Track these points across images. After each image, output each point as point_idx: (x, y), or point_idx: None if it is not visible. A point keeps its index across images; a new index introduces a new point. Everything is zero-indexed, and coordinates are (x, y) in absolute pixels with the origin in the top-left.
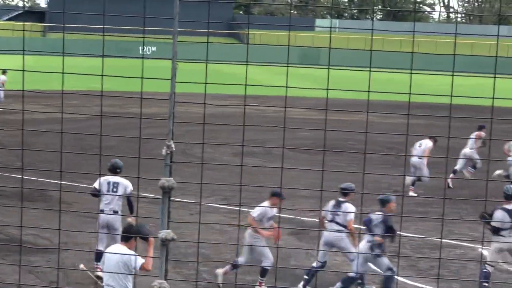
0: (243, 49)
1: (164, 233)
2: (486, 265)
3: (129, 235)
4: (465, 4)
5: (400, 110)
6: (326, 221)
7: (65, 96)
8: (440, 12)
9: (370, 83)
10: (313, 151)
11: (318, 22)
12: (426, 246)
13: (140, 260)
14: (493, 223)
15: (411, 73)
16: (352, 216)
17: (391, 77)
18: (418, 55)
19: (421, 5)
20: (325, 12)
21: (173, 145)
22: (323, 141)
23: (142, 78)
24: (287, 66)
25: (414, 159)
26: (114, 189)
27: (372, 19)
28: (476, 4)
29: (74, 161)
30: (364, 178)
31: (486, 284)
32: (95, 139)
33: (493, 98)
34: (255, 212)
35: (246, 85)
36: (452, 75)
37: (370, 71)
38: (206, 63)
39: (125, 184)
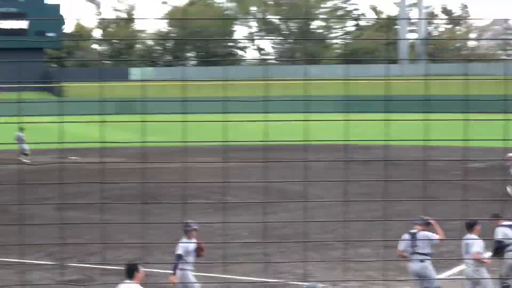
0: (61, 103)
1: None
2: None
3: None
4: (278, 46)
5: (215, 153)
6: (407, 254)
7: None
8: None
9: (188, 129)
10: (134, 201)
11: (134, 71)
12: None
13: None
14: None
15: (225, 120)
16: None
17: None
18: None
19: (233, 49)
20: (139, 61)
21: None
22: (145, 189)
23: None
24: (102, 121)
25: None
26: None
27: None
28: (288, 45)
29: None
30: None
31: None
32: None
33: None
34: (179, 249)
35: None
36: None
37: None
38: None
39: None
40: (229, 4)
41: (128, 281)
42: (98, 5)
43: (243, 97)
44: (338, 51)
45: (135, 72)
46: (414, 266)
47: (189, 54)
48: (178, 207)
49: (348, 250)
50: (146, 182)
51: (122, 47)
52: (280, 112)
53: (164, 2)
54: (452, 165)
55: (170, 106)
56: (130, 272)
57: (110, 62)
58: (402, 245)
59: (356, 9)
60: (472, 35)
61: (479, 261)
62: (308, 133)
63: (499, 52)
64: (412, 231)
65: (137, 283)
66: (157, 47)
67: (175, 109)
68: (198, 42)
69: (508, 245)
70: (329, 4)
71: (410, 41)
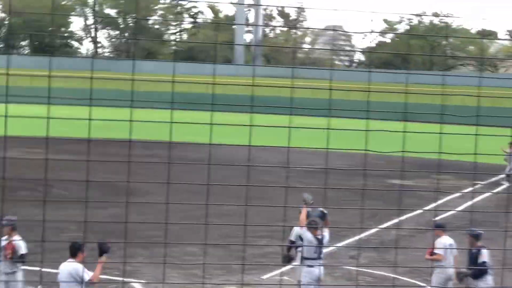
0: None
1: None
2: None
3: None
4: (113, 40)
5: (41, 144)
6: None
7: None
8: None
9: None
10: None
11: None
12: None
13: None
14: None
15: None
16: None
17: (37, 112)
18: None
19: (70, 41)
20: None
21: None
22: None
23: None
24: None
25: None
26: None
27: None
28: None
29: None
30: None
31: None
32: None
33: None
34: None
35: None
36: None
37: None
38: None
39: None
40: None
41: (71, 259)
42: None
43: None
44: (174, 48)
45: None
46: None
47: (22, 43)
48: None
49: (176, 248)
50: None
51: None
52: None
53: None
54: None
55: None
56: (74, 251)
57: None
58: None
59: (194, 7)
60: (307, 39)
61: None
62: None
63: (333, 57)
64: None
65: (78, 262)
66: None
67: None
68: (33, 30)
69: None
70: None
71: (246, 42)
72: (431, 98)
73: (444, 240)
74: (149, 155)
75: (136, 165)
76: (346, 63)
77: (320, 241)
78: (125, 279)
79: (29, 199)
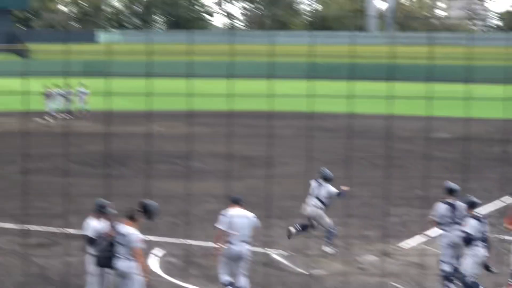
0: (26, 64)
1: None
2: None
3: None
4: (248, 13)
5: (181, 118)
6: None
7: None
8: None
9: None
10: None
11: (103, 35)
12: None
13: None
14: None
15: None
16: None
17: (176, 86)
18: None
19: (200, 13)
20: (107, 24)
21: None
22: (110, 154)
23: None
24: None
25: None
26: None
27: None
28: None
29: None
30: None
31: None
32: None
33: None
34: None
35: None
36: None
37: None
38: None
39: None
40: None
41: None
42: None
43: (209, 62)
44: (307, 18)
45: (102, 36)
46: (453, 236)
47: (156, 18)
48: (142, 171)
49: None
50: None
51: (89, 10)
52: (245, 77)
53: None
54: (416, 135)
55: (136, 70)
56: (131, 216)
57: (77, 25)
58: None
59: None
60: (441, 4)
61: None
62: (273, 100)
63: (468, 22)
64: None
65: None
66: (125, 10)
67: (141, 73)
68: (166, 6)
69: (475, 239)
70: None
71: (379, 9)
72: None
73: None
74: (285, 126)
75: (271, 136)
76: (483, 29)
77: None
78: (267, 250)
79: (167, 173)
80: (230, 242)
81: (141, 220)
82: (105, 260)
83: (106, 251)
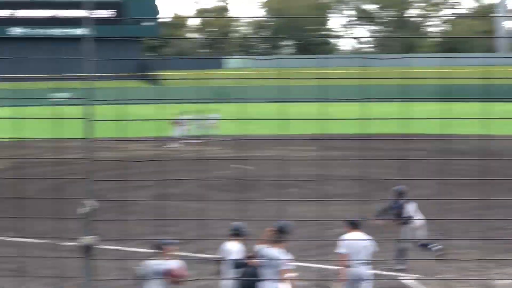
0: (158, 91)
1: None
2: None
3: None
4: (374, 35)
5: (313, 143)
6: None
7: None
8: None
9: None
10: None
11: (231, 61)
12: None
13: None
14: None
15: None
16: None
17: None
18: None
19: (328, 38)
20: (235, 50)
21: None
22: (242, 178)
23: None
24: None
25: None
26: None
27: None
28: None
29: None
30: None
31: None
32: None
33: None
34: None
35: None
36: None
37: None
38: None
39: None
40: None
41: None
42: None
43: (340, 86)
44: (435, 40)
45: (232, 61)
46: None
47: (285, 43)
48: (275, 196)
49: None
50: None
51: (218, 36)
52: (377, 101)
53: None
54: None
55: (267, 95)
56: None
57: (206, 51)
58: None
59: None
60: None
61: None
62: (407, 123)
63: None
64: None
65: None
66: (253, 36)
67: (272, 98)
68: (294, 31)
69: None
70: None
71: (509, 29)
72: None
73: None
74: (408, 149)
75: (399, 160)
76: None
77: None
78: (396, 275)
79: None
80: (351, 266)
81: (285, 242)
82: (249, 284)
83: (250, 274)
